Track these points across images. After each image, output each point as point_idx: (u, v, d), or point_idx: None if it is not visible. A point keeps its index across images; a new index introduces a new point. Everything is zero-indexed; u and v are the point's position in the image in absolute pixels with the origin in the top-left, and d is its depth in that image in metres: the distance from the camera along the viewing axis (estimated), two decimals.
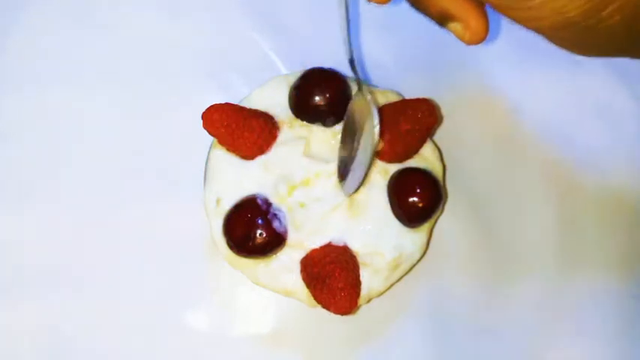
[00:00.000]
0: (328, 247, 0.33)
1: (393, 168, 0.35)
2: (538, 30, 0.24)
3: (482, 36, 0.25)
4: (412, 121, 0.33)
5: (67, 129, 0.38)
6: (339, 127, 0.35)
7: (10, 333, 0.36)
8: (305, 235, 0.33)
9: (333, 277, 0.31)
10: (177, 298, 0.36)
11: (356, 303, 0.32)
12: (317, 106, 0.34)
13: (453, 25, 0.25)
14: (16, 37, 0.39)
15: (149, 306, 0.36)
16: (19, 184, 0.37)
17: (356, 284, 0.32)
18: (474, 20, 0.24)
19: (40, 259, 0.36)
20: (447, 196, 0.37)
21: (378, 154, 0.34)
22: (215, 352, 0.36)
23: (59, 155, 0.38)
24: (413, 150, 0.35)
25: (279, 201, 0.34)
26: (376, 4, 0.26)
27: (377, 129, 0.29)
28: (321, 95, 0.34)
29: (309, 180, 0.34)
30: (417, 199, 0.33)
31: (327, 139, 0.35)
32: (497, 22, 0.39)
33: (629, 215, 0.38)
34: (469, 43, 0.25)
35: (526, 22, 0.24)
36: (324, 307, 0.32)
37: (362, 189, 0.34)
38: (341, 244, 0.33)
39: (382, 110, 0.35)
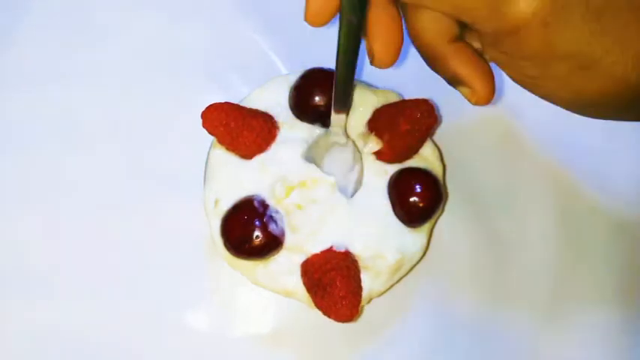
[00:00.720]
0: (329, 253, 0.33)
1: (393, 168, 0.34)
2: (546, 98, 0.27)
3: (487, 101, 0.28)
4: (412, 122, 0.33)
5: (66, 129, 0.38)
6: None
7: (9, 333, 0.36)
8: (303, 237, 0.33)
9: (334, 286, 0.31)
10: (177, 298, 0.36)
11: (357, 310, 0.31)
12: (317, 106, 0.34)
13: (462, 87, 0.28)
14: (17, 38, 0.39)
15: (149, 306, 0.36)
16: (19, 184, 0.37)
17: (357, 292, 0.32)
18: (480, 86, 0.27)
19: (39, 259, 0.37)
20: (447, 196, 0.37)
21: (377, 155, 0.34)
22: (215, 352, 0.36)
23: (59, 155, 0.38)
24: (413, 150, 0.35)
25: (276, 202, 0.33)
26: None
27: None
28: (321, 95, 0.33)
29: (306, 181, 0.34)
30: (418, 198, 0.33)
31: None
32: None
33: (630, 220, 0.38)
34: (475, 104, 0.28)
35: (540, 95, 0.27)
36: (324, 314, 0.31)
37: (361, 190, 0.34)
38: (342, 249, 0.33)
39: (382, 110, 0.35)
